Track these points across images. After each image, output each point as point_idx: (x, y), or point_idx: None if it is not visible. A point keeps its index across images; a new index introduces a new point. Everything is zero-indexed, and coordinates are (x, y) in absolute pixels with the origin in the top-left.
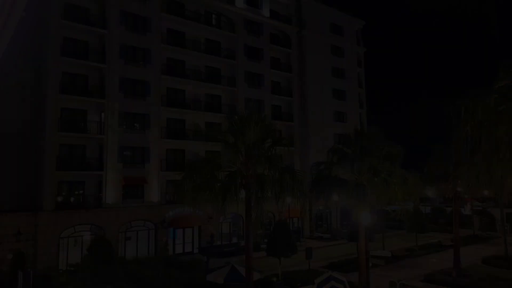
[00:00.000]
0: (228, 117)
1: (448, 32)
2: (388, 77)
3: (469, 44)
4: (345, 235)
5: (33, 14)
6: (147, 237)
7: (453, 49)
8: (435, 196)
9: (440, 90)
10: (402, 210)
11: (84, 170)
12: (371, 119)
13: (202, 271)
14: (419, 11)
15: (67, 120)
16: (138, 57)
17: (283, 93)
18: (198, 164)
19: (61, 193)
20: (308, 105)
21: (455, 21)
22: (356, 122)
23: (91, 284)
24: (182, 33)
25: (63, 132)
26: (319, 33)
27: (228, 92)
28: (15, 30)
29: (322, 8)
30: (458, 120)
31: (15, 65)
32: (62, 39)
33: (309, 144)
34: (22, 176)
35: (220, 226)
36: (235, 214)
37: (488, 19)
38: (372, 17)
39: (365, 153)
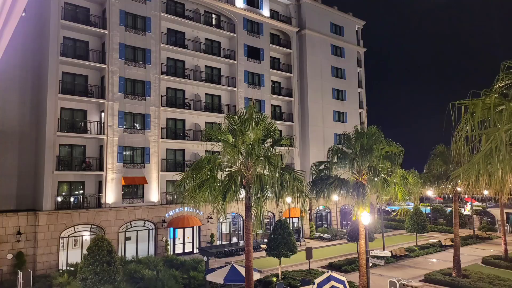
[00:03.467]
0: (228, 117)
1: (448, 29)
2: (388, 77)
3: (469, 43)
4: (345, 235)
5: (33, 14)
6: (147, 237)
7: (454, 46)
8: (435, 196)
9: (439, 89)
10: (402, 210)
11: (84, 170)
12: (371, 119)
13: (202, 271)
14: (419, 10)
15: (67, 120)
16: (138, 57)
17: (283, 93)
18: (198, 164)
19: (61, 193)
20: (308, 105)
21: (457, 17)
22: (356, 122)
23: (91, 284)
24: (182, 33)
25: (63, 132)
26: (319, 33)
27: (228, 92)
28: (15, 30)
29: (322, 8)
30: (458, 120)
31: (15, 65)
32: (62, 39)
33: (309, 144)
34: (22, 176)
35: (220, 226)
36: (235, 214)
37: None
38: (372, 17)
39: (365, 153)
